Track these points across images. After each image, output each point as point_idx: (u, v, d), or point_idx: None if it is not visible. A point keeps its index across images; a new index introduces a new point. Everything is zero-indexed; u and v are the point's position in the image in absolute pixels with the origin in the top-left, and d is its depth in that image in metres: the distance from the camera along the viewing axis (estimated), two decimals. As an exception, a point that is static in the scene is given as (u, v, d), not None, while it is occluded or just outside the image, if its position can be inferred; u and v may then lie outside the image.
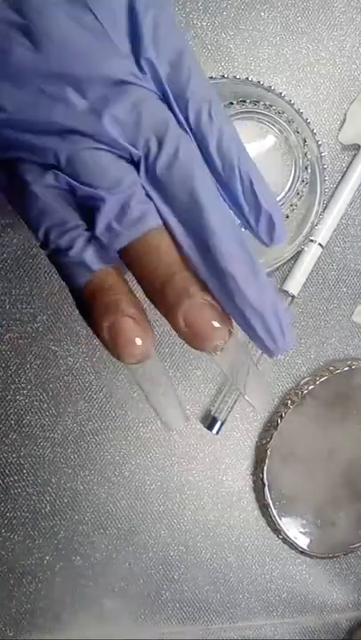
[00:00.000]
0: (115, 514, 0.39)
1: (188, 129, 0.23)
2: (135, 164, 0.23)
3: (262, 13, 0.37)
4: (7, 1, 0.22)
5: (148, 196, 0.23)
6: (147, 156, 0.22)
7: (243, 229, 0.24)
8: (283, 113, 0.34)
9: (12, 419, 0.37)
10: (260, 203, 0.23)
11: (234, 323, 0.24)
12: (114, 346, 0.22)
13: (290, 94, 0.38)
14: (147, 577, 0.40)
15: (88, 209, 0.23)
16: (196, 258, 0.22)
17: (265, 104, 0.34)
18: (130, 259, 0.23)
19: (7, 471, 0.38)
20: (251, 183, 0.23)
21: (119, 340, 0.22)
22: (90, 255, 0.23)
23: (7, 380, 0.37)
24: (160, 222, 0.23)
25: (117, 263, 0.24)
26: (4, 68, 0.22)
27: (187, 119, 0.23)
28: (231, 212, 0.24)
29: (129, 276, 0.24)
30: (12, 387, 0.37)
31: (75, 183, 0.23)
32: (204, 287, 0.23)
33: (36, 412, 0.38)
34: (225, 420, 0.39)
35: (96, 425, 0.38)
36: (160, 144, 0.22)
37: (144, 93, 0.23)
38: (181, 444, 0.39)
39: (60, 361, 0.38)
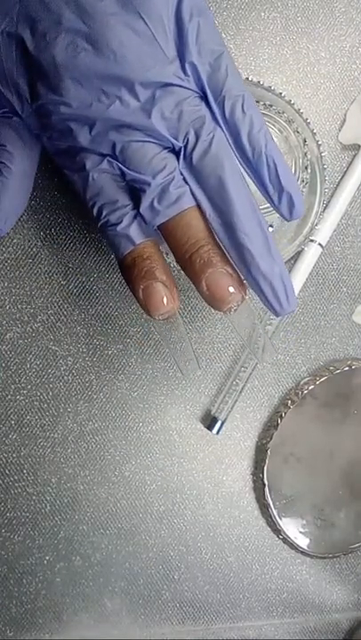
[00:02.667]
0: (115, 514, 0.39)
1: (222, 121, 0.27)
2: (176, 153, 0.27)
3: (262, 13, 0.37)
4: (73, 9, 0.25)
5: (185, 180, 0.27)
6: (185, 147, 0.27)
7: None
8: (283, 113, 0.34)
9: (12, 419, 0.37)
10: (283, 185, 0.27)
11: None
12: (146, 304, 0.28)
13: (290, 94, 0.38)
14: (147, 577, 0.40)
15: (135, 190, 0.27)
16: (222, 234, 0.27)
17: (265, 104, 0.34)
18: (166, 232, 0.27)
19: (7, 471, 0.38)
20: (275, 168, 0.27)
21: (151, 300, 0.27)
22: (134, 230, 0.28)
23: (7, 380, 0.37)
24: (193, 203, 0.27)
25: (156, 237, 0.28)
26: (69, 70, 0.26)
27: (223, 113, 0.27)
28: (253, 193, 0.27)
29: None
30: (12, 387, 0.37)
31: (125, 169, 0.27)
32: (225, 259, 0.27)
33: (36, 412, 0.38)
34: (225, 419, 0.39)
35: (96, 425, 0.38)
36: (197, 137, 0.26)
37: (186, 93, 0.27)
38: (181, 444, 0.39)
39: (60, 361, 0.38)
